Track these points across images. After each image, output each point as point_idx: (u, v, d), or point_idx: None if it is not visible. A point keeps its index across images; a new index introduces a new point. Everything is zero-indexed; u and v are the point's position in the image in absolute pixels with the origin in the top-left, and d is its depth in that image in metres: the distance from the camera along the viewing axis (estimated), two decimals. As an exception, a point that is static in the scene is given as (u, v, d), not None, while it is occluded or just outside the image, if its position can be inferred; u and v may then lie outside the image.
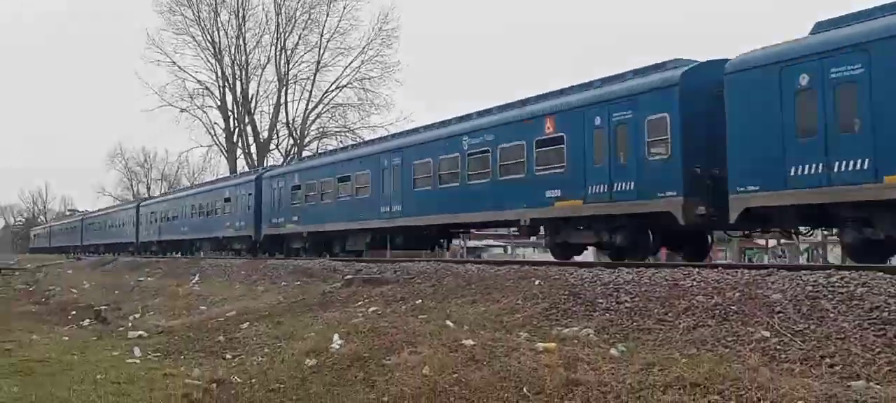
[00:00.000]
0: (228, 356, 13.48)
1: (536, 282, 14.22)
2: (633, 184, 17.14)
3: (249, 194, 36.87)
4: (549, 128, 19.44)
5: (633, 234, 17.85)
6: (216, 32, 59.19)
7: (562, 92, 20.11)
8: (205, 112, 60.50)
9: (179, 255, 46.01)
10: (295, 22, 58.17)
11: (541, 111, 20.02)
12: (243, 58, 59.49)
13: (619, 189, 17.47)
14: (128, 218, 59.95)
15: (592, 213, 18.27)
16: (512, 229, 26.57)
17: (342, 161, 30.46)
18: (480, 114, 23.15)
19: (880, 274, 10.36)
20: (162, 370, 12.59)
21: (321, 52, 57.84)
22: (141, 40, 71.29)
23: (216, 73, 59.83)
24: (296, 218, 32.36)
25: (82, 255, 67.12)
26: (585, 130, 18.25)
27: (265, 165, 36.34)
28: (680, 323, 10.32)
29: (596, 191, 17.99)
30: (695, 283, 11.69)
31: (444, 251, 28.56)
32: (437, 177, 23.66)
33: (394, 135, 29.41)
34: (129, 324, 19.56)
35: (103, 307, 24.23)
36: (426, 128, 26.39)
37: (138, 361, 13.65)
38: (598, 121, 18.00)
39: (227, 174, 55.21)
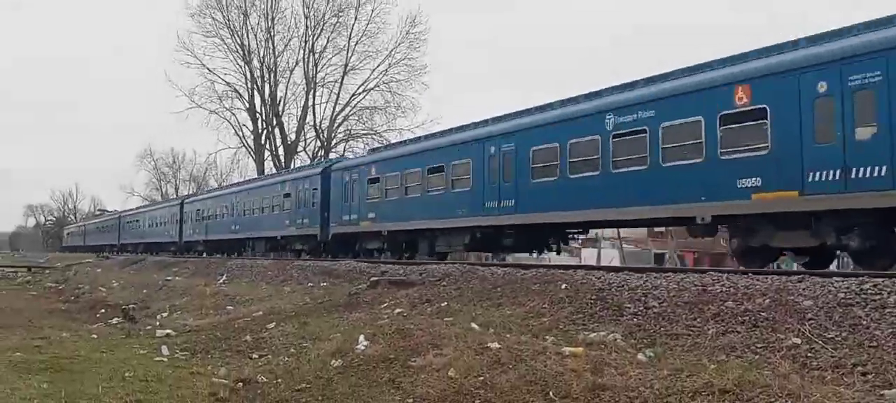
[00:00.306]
0: (255, 355, 13.54)
1: (563, 286, 14.13)
2: (885, 168, 13.15)
3: (314, 189, 33.54)
4: (741, 98, 15.54)
5: (877, 235, 14.15)
6: (245, 35, 59.75)
7: (746, 56, 16.51)
8: (233, 114, 61.07)
9: (225, 255, 43.82)
10: (323, 25, 58.56)
11: (728, 78, 16.08)
12: (272, 60, 59.99)
13: (859, 175, 13.45)
14: (170, 216, 57.16)
15: (814, 208, 14.42)
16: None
17: (434, 148, 25.85)
18: (625, 87, 19.42)
19: (914, 281, 10.18)
20: (189, 368, 12.68)
21: (349, 54, 58.13)
22: (171, 42, 71.96)
23: (245, 76, 60.40)
24: (372, 215, 28.35)
25: (110, 254, 67.74)
26: (802, 99, 14.43)
27: (333, 156, 34.93)
28: (709, 329, 10.21)
29: (820, 179, 14.03)
30: (724, 289, 11.54)
31: (555, 254, 25.25)
32: (565, 164, 19.70)
33: (499, 118, 23.87)
34: (157, 323, 19.72)
35: (131, 305, 24.51)
36: (542, 108, 22.16)
37: (166, 359, 13.74)
38: (822, 87, 14.16)
39: (256, 175, 55.54)
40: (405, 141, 29.97)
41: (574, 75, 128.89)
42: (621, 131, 18.10)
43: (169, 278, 33.21)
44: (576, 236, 26.02)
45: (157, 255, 52.89)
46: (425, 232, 25.97)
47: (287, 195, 36.54)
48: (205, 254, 47.97)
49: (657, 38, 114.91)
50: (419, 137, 31.32)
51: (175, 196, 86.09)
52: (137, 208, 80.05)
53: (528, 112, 22.69)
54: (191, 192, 65.62)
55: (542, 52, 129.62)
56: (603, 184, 18.46)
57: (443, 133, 27.84)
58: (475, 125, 24.98)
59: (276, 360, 12.71)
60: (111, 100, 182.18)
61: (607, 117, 18.50)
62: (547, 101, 22.21)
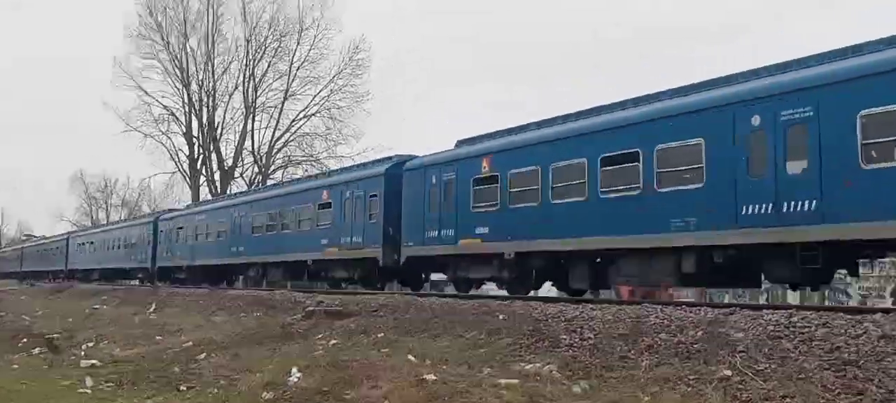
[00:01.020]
0: (183, 387, 13.15)
1: (500, 317, 14.13)
2: None
3: (373, 195, 24.93)
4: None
5: None
6: (185, 58, 58.79)
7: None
8: (169, 138, 59.81)
9: (192, 284, 36.89)
10: (265, 50, 57.92)
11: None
12: (211, 84, 59.09)
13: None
14: (138, 237, 46.89)
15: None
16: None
17: (621, 126, 17.02)
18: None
19: (840, 314, 10.44)
20: (114, 401, 12.28)
21: (290, 80, 57.51)
22: (107, 66, 70.39)
23: (183, 99, 59.34)
24: (484, 230, 20.11)
25: (35, 282, 65.25)
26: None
27: (401, 154, 25.36)
28: (643, 361, 10.28)
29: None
30: (658, 321, 11.67)
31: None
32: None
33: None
34: (82, 353, 19.03)
35: (56, 335, 23.61)
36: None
37: (90, 391, 13.25)
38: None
39: (191, 202, 54.25)
40: (538, 123, 20.21)
41: (557, 69, 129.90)
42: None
43: (96, 306, 32.16)
44: None
45: (113, 284, 46.77)
46: (584, 254, 17.94)
47: (324, 205, 27.69)
48: (185, 284, 38.83)
49: (644, 35, 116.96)
50: (578, 112, 19.14)
51: (106, 221, 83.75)
52: (93, 227, 72.16)
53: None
54: (165, 209, 53.66)
55: (524, 46, 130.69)
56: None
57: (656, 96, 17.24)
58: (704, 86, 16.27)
59: (206, 392, 12.37)
60: (40, 119, 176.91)
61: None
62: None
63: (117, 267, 50.24)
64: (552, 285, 21.08)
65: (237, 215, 34.96)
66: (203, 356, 15.53)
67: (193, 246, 38.88)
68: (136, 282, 46.06)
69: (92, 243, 57.59)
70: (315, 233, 27.81)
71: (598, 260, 18.01)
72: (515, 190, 19.26)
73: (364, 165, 28.13)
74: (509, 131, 21.05)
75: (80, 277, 56.90)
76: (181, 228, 41.25)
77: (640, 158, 15.97)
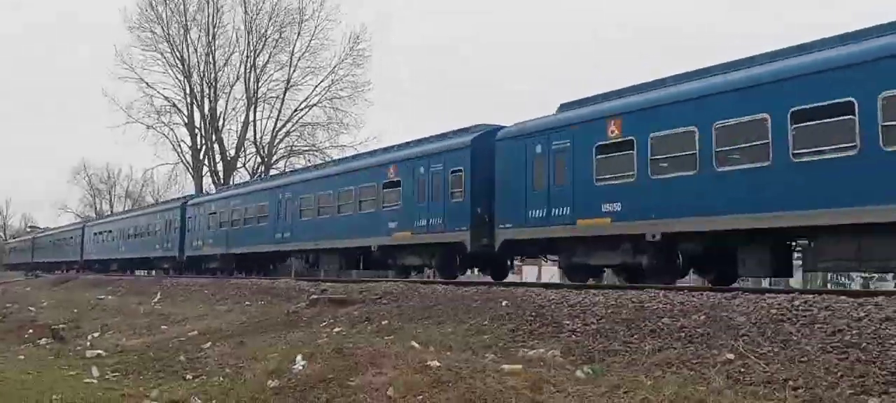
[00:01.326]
0: (189, 376, 13.20)
1: (503, 303, 14.17)
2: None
3: (455, 171, 21.61)
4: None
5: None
6: (185, 49, 58.61)
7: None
8: (172, 129, 59.66)
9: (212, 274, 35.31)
10: (265, 40, 57.76)
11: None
12: (212, 75, 58.99)
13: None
14: (164, 223, 43.64)
15: None
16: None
17: (796, 76, 13.96)
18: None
19: (843, 298, 10.46)
20: (120, 390, 12.28)
21: (291, 70, 57.36)
22: (108, 56, 70.13)
23: (184, 91, 59.19)
24: (613, 207, 16.77)
25: (40, 272, 65.20)
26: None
27: (483, 124, 22.57)
28: (646, 346, 10.31)
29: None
30: (661, 305, 11.71)
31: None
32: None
33: None
34: (88, 343, 19.10)
35: (61, 326, 23.70)
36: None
37: (96, 381, 13.29)
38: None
39: (194, 192, 54.22)
40: (677, 76, 16.75)
41: (557, 70, 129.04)
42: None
43: (101, 297, 32.28)
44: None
45: (80, 273, 45.84)
46: (783, 235, 14.61)
47: (391, 184, 24.31)
48: (219, 272, 36.45)
49: (641, 34, 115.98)
50: (746, 59, 15.61)
51: (110, 212, 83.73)
52: (111, 215, 68.59)
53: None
54: (193, 193, 50.19)
55: (524, 46, 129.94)
56: None
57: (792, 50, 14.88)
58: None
59: (211, 381, 12.41)
60: (42, 112, 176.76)
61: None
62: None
63: (140, 257, 46.94)
64: (698, 273, 18.10)
65: (282, 197, 31.22)
66: (208, 345, 15.58)
67: (229, 233, 35.47)
68: (161, 273, 43.22)
69: (110, 231, 53.82)
70: (380, 216, 24.35)
71: (790, 241, 14.83)
72: (660, 157, 15.90)
73: (442, 136, 23.77)
74: (641, 87, 17.38)
75: (97, 268, 54.22)
76: (214, 213, 37.57)
77: (856, 109, 12.57)
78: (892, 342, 8.57)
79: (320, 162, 43.16)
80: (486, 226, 20.35)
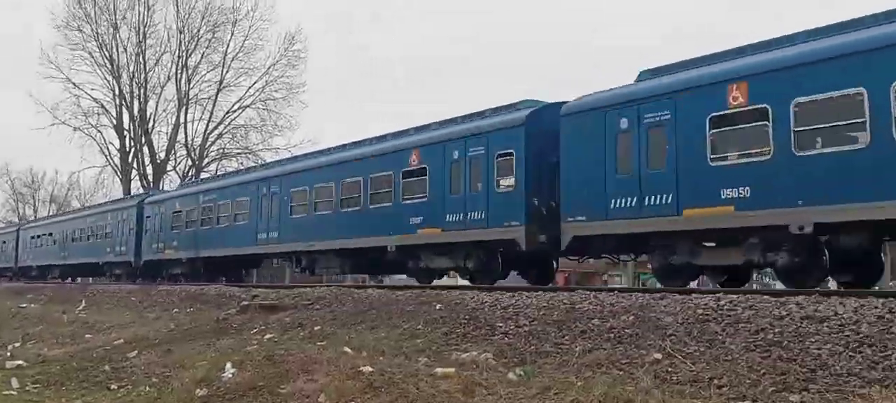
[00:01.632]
0: (114, 386, 12.86)
1: (437, 307, 14.15)
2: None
3: (503, 155, 18.31)
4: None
5: None
6: (115, 49, 57.18)
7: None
8: (100, 131, 58.11)
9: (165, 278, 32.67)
10: (198, 40, 56.72)
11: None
12: (142, 76, 57.65)
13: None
14: (117, 225, 39.47)
15: None
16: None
17: None
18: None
19: (766, 297, 10.75)
20: (41, 401, 11.91)
21: (224, 71, 56.43)
22: (33, 56, 67.86)
23: (113, 91, 57.69)
24: (738, 193, 13.76)
25: None
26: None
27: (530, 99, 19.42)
28: (576, 347, 10.41)
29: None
30: (591, 306, 11.86)
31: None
32: None
33: None
34: (8, 353, 18.41)
35: (-21, 336, 22.83)
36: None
37: (15, 393, 12.86)
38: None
39: (121, 196, 52.80)
40: (809, 32, 14.08)
41: (558, 70, 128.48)
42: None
43: (23, 305, 31.16)
44: None
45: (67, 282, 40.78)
46: None
47: (413, 173, 20.89)
48: (184, 278, 32.76)
49: (642, 34, 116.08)
50: None
51: (34, 217, 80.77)
52: (53, 215, 63.47)
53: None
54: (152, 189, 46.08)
55: (524, 46, 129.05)
56: None
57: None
58: None
59: (137, 390, 12.12)
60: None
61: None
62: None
63: (87, 263, 42.67)
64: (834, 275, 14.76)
65: (267, 191, 27.49)
66: (134, 353, 15.19)
67: (198, 233, 31.67)
68: (113, 280, 39.47)
69: (50, 235, 48.84)
70: (399, 210, 21.01)
71: None
72: (808, 128, 12.90)
73: (481, 114, 20.25)
74: (766, 45, 14.50)
75: (35, 276, 49.59)
76: (178, 211, 33.72)
77: None
78: (813, 340, 8.84)
79: (252, 164, 42.50)
80: (543, 220, 17.32)
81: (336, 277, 26.35)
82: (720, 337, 9.55)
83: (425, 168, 20.37)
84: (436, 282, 20.63)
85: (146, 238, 36.07)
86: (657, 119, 15.06)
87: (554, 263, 19.91)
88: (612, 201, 15.66)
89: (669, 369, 8.98)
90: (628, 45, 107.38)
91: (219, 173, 48.65)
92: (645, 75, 16.38)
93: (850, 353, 8.34)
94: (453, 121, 21.19)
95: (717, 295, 11.33)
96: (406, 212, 20.72)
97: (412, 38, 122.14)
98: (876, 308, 9.34)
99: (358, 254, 23.39)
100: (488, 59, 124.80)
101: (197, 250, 31.56)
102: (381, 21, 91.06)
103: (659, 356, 9.36)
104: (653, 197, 14.95)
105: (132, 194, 48.40)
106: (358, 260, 23.93)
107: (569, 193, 16.66)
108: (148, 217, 36.41)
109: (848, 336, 8.72)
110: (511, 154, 17.99)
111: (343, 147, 25.85)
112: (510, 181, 17.95)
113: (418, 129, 22.41)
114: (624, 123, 15.60)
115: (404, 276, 23.39)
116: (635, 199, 15.23)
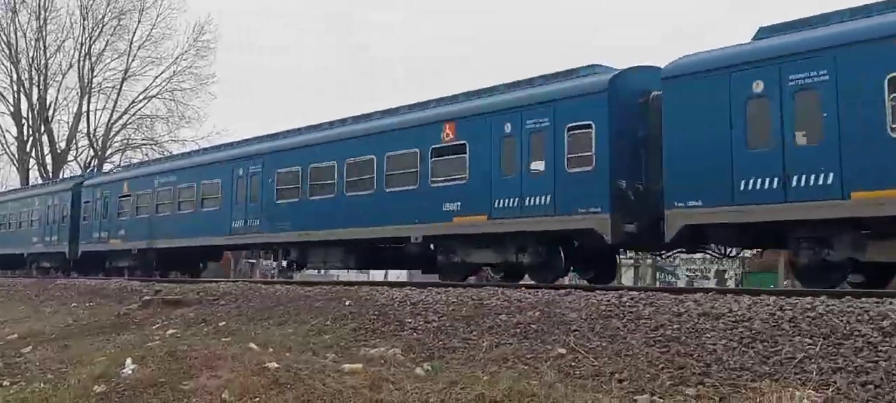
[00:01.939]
0: (6, 383, 12.24)
1: (347, 303, 14.10)
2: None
3: (572, 128, 15.66)
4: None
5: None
6: (13, 33, 54.60)
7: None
8: (-5, 118, 55.27)
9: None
10: (102, 27, 54.70)
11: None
12: (42, 61, 55.24)
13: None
14: (46, 211, 35.54)
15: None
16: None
17: None
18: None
19: (665, 294, 11.14)
20: (-77, 401, 11.27)
21: (130, 60, 54.62)
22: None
23: (11, 77, 55.08)
24: None
25: None
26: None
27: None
28: (483, 342, 10.54)
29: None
30: (499, 302, 12.03)
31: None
32: None
33: None
34: None
35: None
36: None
37: None
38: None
39: (18, 186, 50.42)
40: None
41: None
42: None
43: None
44: None
45: None
46: None
47: (445, 150, 18.10)
48: (135, 272, 28.75)
49: (641, 34, 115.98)
50: None
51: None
52: None
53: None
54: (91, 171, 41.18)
55: (524, 46, 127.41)
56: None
57: None
58: None
59: (31, 387, 11.56)
60: None
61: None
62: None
63: (5, 255, 38.45)
64: None
65: (244, 172, 23.78)
66: (29, 348, 14.56)
67: (152, 221, 27.89)
68: (40, 274, 34.92)
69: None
70: (427, 194, 18.10)
71: None
72: None
73: (530, 81, 17.46)
74: None
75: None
76: (127, 196, 29.79)
77: None
78: (709, 336, 9.19)
79: (159, 156, 41.26)
80: (630, 206, 14.88)
81: (327, 273, 23.71)
82: (622, 333, 9.83)
83: (464, 144, 17.50)
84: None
85: (84, 226, 32.23)
86: (808, 80, 12.36)
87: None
88: (742, 182, 12.92)
89: (573, 363, 9.18)
90: (628, 44, 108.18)
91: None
92: (764, 33, 13.85)
93: (744, 348, 8.70)
94: (493, 89, 18.24)
95: (620, 291, 11.66)
96: (437, 197, 17.81)
97: (412, 38, 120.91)
98: (768, 305, 9.78)
99: (368, 246, 20.69)
100: (488, 59, 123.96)
101: (151, 240, 27.83)
102: (381, 21, 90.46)
103: (563, 351, 9.56)
104: (803, 176, 12.26)
105: (66, 177, 44.12)
106: (367, 252, 21.08)
107: (676, 174, 13.80)
108: (87, 202, 32.37)
109: (741, 332, 9.11)
110: (589, 126, 15.23)
111: (344, 121, 22.26)
112: (586, 158, 15.27)
113: (450, 99, 19.25)
114: (758, 87, 12.87)
115: (418, 272, 21.43)
116: (777, 180, 12.54)
